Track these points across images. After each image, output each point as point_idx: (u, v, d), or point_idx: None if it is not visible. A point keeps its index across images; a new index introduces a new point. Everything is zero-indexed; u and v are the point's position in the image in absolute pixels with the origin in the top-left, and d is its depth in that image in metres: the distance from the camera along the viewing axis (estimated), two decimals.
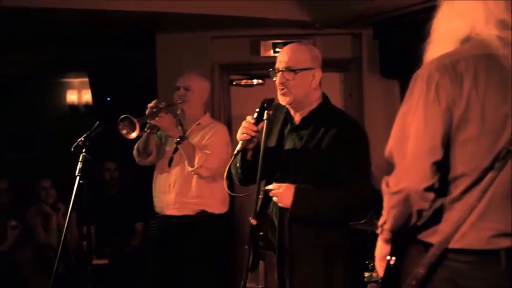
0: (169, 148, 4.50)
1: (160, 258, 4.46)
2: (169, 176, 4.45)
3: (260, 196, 3.17)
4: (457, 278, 2.05)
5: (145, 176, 4.73)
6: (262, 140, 3.07)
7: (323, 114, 3.25)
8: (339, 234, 3.19)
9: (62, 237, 3.56)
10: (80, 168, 3.62)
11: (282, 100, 3.27)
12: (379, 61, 6.24)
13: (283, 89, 3.24)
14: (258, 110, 3.16)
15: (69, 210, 3.58)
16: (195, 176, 4.32)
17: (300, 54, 3.27)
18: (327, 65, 6.49)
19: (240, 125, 3.25)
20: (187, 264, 4.41)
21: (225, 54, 6.51)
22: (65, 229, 3.56)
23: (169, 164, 4.44)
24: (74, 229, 5.66)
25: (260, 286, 3.03)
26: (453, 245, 2.04)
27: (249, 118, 3.18)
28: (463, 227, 2.01)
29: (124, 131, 4.07)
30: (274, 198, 3.13)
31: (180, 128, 4.48)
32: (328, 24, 6.25)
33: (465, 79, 2.02)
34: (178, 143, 4.25)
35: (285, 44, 6.22)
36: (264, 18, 6.05)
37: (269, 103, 3.14)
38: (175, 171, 4.43)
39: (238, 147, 3.20)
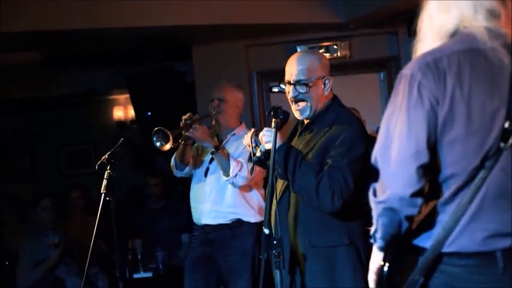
0: (206, 158, 4.55)
1: (197, 268, 4.49)
2: (205, 186, 4.49)
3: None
4: (454, 283, 1.97)
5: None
6: (271, 147, 3.04)
7: (326, 116, 3.22)
8: (340, 235, 3.15)
9: (89, 253, 3.61)
10: (105, 186, 3.60)
11: (298, 116, 3.27)
12: None
13: (297, 104, 3.24)
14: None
15: (95, 227, 3.59)
16: (230, 185, 4.35)
17: (308, 64, 3.21)
18: (366, 66, 6.63)
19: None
20: (225, 275, 4.44)
21: (262, 62, 6.54)
22: (91, 245, 3.60)
23: (206, 174, 4.49)
24: (100, 243, 5.71)
25: None
26: (447, 248, 1.95)
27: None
28: (456, 230, 1.92)
29: (158, 143, 4.14)
30: (263, 138, 3.18)
31: (215, 138, 4.52)
32: (363, 25, 6.22)
33: (448, 77, 1.94)
34: (213, 153, 4.29)
35: (320, 48, 6.34)
36: (297, 23, 6.07)
37: (276, 111, 3.10)
38: (211, 180, 4.46)
39: (259, 154, 3.25)
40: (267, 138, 3.18)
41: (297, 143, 3.32)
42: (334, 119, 3.18)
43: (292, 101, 3.27)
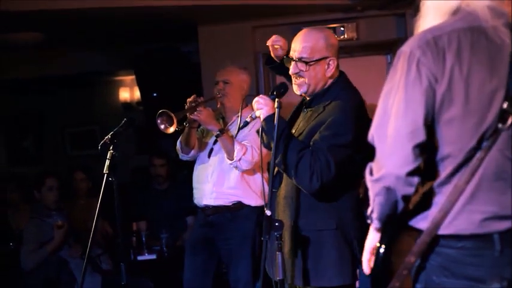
0: (210, 140, 4.54)
1: (197, 251, 4.50)
2: (208, 167, 4.47)
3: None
4: (451, 265, 1.96)
5: None
6: (275, 128, 3.00)
7: (324, 97, 3.18)
8: (328, 219, 3.12)
9: (91, 234, 3.57)
10: (107, 166, 3.55)
11: (296, 90, 3.24)
12: None
13: (297, 79, 3.21)
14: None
15: (98, 207, 3.55)
16: (232, 167, 4.32)
17: (313, 43, 3.15)
18: (373, 48, 6.56)
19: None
20: (225, 259, 4.46)
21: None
22: (93, 226, 3.56)
23: (209, 155, 4.48)
24: (105, 226, 5.70)
25: (277, 278, 2.98)
26: (443, 230, 1.93)
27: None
28: (453, 211, 1.91)
29: (162, 126, 4.12)
30: (255, 104, 3.16)
31: (220, 121, 4.50)
32: (370, 6, 6.15)
33: (447, 55, 1.91)
34: (217, 136, 4.25)
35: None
36: (304, 4, 6.01)
37: (278, 91, 3.07)
38: (214, 161, 4.45)
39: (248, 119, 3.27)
40: (259, 105, 3.16)
41: (300, 118, 3.30)
42: (331, 101, 3.14)
43: (293, 77, 3.24)
